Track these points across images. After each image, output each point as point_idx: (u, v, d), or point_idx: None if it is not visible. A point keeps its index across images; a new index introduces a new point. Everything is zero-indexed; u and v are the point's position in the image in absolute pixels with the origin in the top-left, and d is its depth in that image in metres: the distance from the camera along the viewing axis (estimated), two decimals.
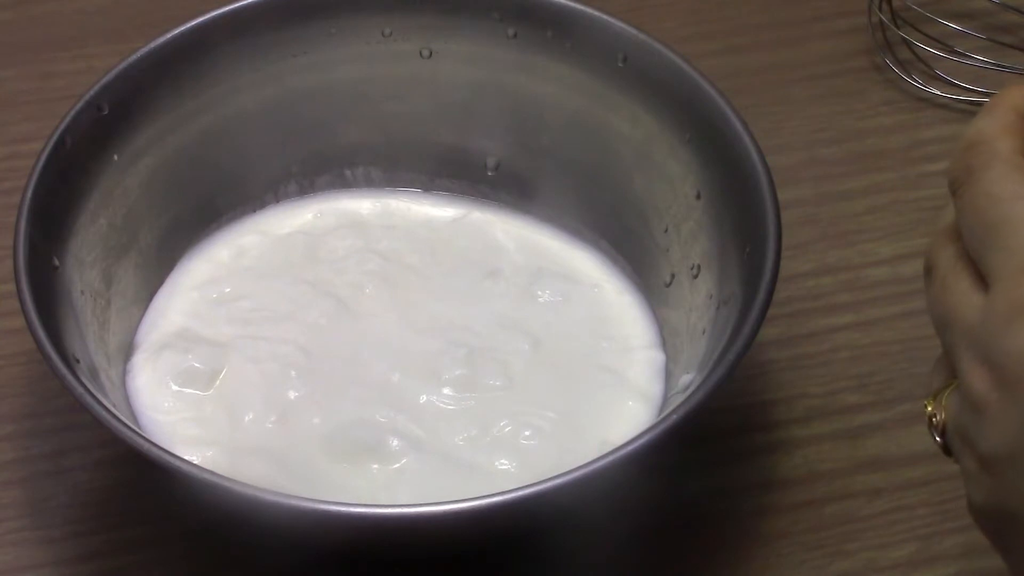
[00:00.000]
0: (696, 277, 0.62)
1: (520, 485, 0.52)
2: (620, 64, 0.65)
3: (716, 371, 0.55)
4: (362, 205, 0.69)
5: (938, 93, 0.77)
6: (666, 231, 0.64)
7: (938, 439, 0.45)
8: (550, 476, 0.52)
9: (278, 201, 0.69)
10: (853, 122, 0.77)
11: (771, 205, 0.59)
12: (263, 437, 0.60)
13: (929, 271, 0.45)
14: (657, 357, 0.63)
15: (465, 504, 0.51)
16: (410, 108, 0.68)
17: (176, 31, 0.64)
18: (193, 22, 0.65)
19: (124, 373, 0.62)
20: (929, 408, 0.45)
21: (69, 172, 0.61)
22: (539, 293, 0.65)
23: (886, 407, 0.65)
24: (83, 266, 0.61)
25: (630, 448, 0.52)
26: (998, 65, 0.77)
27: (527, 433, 0.60)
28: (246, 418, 0.60)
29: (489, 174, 0.69)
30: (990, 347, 0.40)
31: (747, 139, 0.61)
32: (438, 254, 0.67)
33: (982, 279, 0.42)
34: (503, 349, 0.63)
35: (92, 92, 0.62)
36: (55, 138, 0.61)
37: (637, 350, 0.64)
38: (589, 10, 0.65)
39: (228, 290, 0.65)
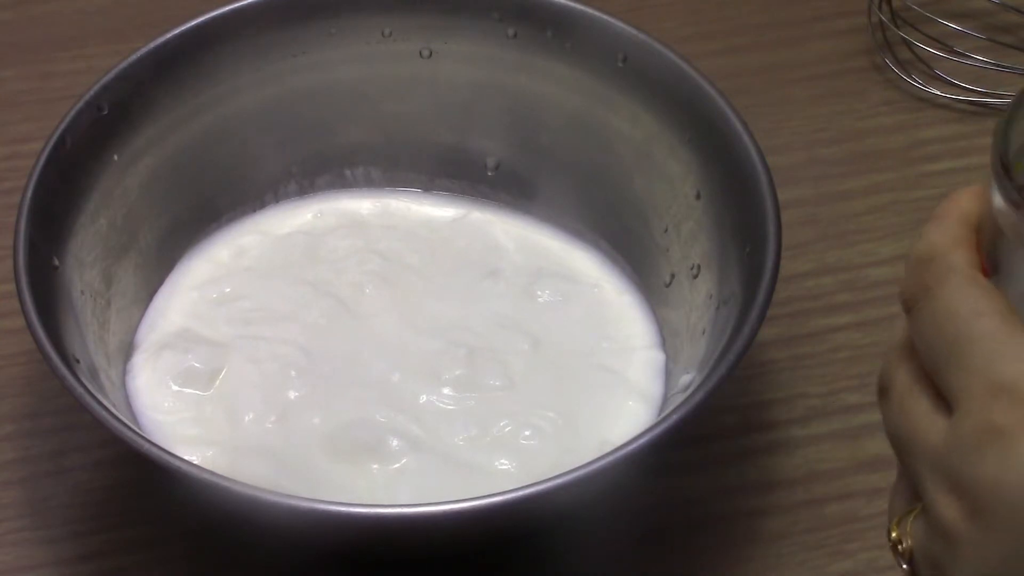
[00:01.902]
0: (696, 277, 0.63)
1: (520, 485, 0.52)
2: (620, 64, 0.65)
3: (716, 371, 0.55)
4: (362, 205, 0.69)
5: (938, 93, 0.77)
6: (666, 231, 0.64)
7: (904, 567, 0.42)
8: (550, 476, 0.52)
9: (278, 201, 0.69)
10: (853, 122, 0.77)
11: (771, 205, 0.59)
12: (263, 437, 0.60)
13: (884, 391, 0.43)
14: (657, 357, 0.63)
15: (465, 504, 0.51)
16: (410, 108, 0.68)
17: (176, 31, 0.64)
18: (193, 22, 0.65)
19: (124, 373, 0.62)
20: (894, 534, 0.43)
21: (69, 172, 0.61)
22: (539, 293, 0.65)
23: None
24: (83, 266, 0.61)
25: (630, 448, 0.52)
26: (998, 65, 0.77)
27: (527, 433, 0.60)
28: (246, 418, 0.60)
29: (489, 174, 0.69)
30: (959, 474, 0.39)
31: (747, 139, 0.61)
32: (438, 254, 0.67)
33: (943, 400, 0.40)
34: (503, 349, 0.63)
35: (92, 92, 0.62)
36: (55, 138, 0.61)
37: (637, 350, 0.64)
38: (589, 10, 0.65)
39: (228, 290, 0.65)
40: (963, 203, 0.43)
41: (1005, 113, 0.42)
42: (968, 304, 0.40)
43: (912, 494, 0.42)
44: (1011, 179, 0.41)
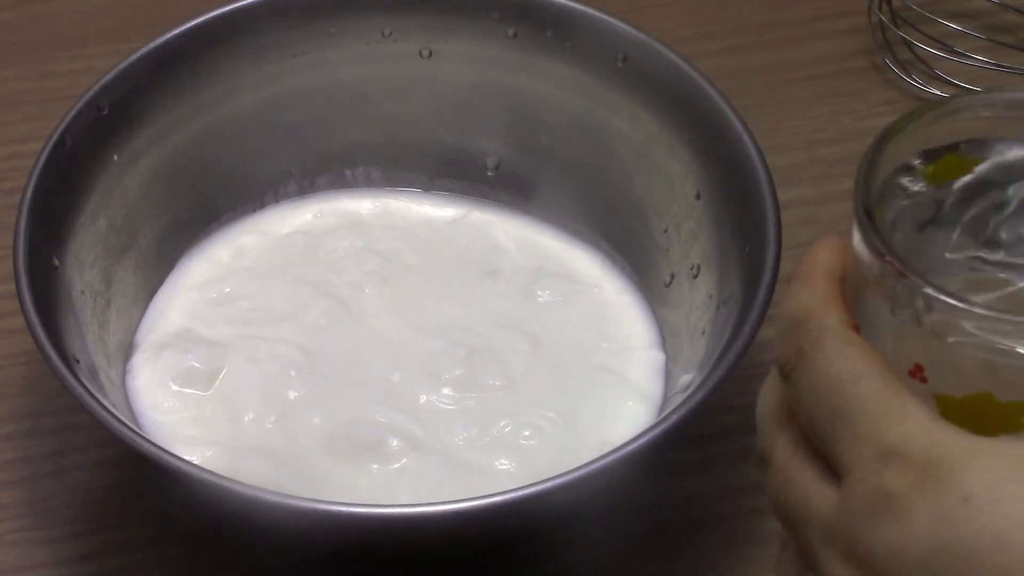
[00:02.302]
0: (696, 277, 0.62)
1: (520, 485, 0.52)
2: (620, 64, 0.65)
3: (716, 371, 0.55)
4: (362, 205, 0.69)
5: (938, 93, 0.77)
6: (666, 231, 0.64)
7: None
8: (550, 476, 0.52)
9: (278, 201, 0.69)
10: (853, 122, 0.77)
11: (771, 205, 0.59)
12: (263, 437, 0.60)
13: (765, 461, 0.42)
14: (657, 357, 0.63)
15: (465, 504, 0.51)
16: (410, 108, 0.68)
17: (176, 31, 0.64)
18: (193, 22, 0.65)
19: (124, 373, 0.62)
20: None
21: (69, 172, 0.61)
22: (539, 293, 0.65)
23: None
24: (83, 266, 0.61)
25: (630, 448, 0.52)
26: (998, 65, 0.77)
27: (527, 433, 0.60)
28: (246, 418, 0.60)
29: (489, 174, 0.69)
30: (856, 544, 0.38)
31: (747, 139, 0.61)
32: (438, 254, 0.67)
33: (828, 467, 0.40)
34: (503, 349, 0.63)
35: (92, 92, 0.62)
36: (55, 138, 0.61)
37: (637, 350, 0.64)
38: (589, 10, 0.65)
39: (228, 290, 0.65)
40: (825, 258, 0.42)
41: (863, 159, 0.42)
42: (846, 367, 0.39)
43: (803, 564, 0.41)
44: (875, 227, 0.40)
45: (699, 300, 0.62)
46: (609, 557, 0.60)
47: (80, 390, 0.54)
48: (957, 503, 0.37)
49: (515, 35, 0.66)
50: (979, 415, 0.40)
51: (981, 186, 0.43)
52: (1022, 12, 0.79)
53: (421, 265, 0.67)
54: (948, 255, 0.42)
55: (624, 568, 0.60)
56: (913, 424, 0.38)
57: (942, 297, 0.39)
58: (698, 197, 0.63)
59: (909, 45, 0.79)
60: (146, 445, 0.52)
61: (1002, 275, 0.42)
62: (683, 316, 0.63)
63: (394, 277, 0.66)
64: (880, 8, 0.78)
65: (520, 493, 0.51)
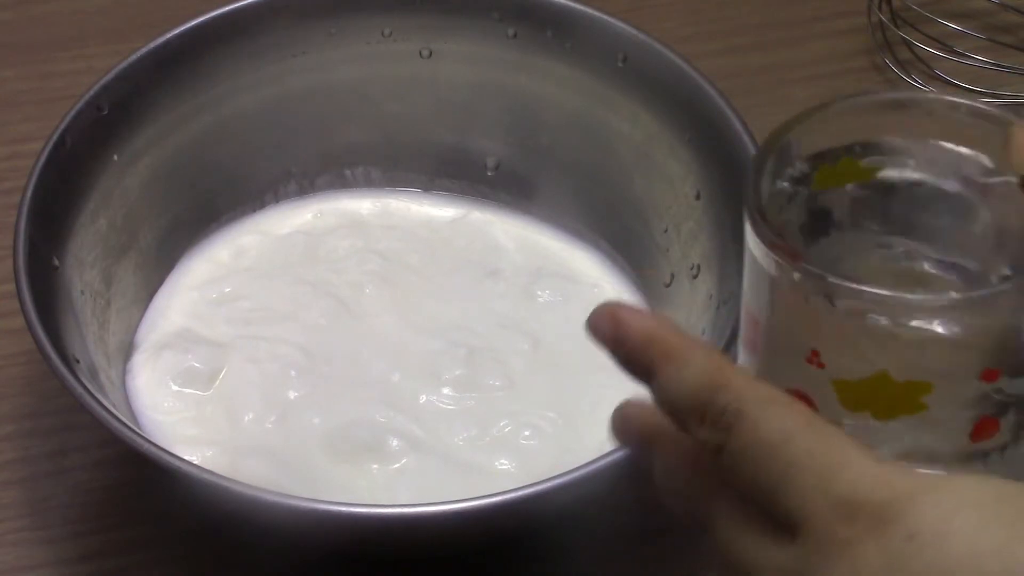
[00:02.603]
0: (696, 277, 0.62)
1: (520, 485, 0.52)
2: (620, 64, 0.65)
3: None
4: (362, 205, 0.69)
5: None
6: (666, 231, 0.64)
7: None
8: (550, 476, 0.52)
9: (278, 201, 0.69)
10: None
11: None
12: (263, 437, 0.60)
13: (708, 521, 0.42)
14: None
15: (465, 504, 0.51)
16: (410, 108, 0.68)
17: (176, 31, 0.64)
18: (193, 22, 0.65)
19: (124, 373, 0.62)
20: None
21: (69, 172, 0.61)
22: (539, 293, 0.65)
23: None
24: (83, 266, 0.61)
25: None
26: (998, 65, 0.77)
27: (527, 433, 0.60)
28: (246, 418, 0.60)
29: (489, 174, 0.69)
30: None
31: (747, 139, 0.61)
32: (438, 254, 0.67)
33: (776, 524, 0.40)
34: (503, 349, 0.63)
35: (92, 92, 0.62)
36: (55, 138, 0.61)
37: None
38: (589, 10, 0.65)
39: (228, 290, 0.65)
40: (662, 329, 0.43)
41: (751, 166, 0.43)
42: (778, 429, 0.39)
43: None
44: (766, 221, 0.42)
45: (699, 300, 0.62)
46: (609, 557, 0.60)
47: (80, 390, 0.54)
48: (903, 542, 0.37)
49: (515, 35, 0.66)
50: (877, 397, 0.41)
51: (874, 186, 0.44)
52: (1022, 12, 0.79)
53: (421, 265, 0.67)
54: (842, 251, 0.43)
55: (624, 568, 0.60)
56: (857, 470, 0.39)
57: (833, 280, 0.40)
58: (698, 197, 0.63)
59: (909, 45, 0.79)
60: (146, 445, 0.52)
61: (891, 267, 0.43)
62: (683, 316, 0.63)
63: (394, 277, 0.66)
64: (880, 8, 0.79)
65: (520, 493, 0.51)
